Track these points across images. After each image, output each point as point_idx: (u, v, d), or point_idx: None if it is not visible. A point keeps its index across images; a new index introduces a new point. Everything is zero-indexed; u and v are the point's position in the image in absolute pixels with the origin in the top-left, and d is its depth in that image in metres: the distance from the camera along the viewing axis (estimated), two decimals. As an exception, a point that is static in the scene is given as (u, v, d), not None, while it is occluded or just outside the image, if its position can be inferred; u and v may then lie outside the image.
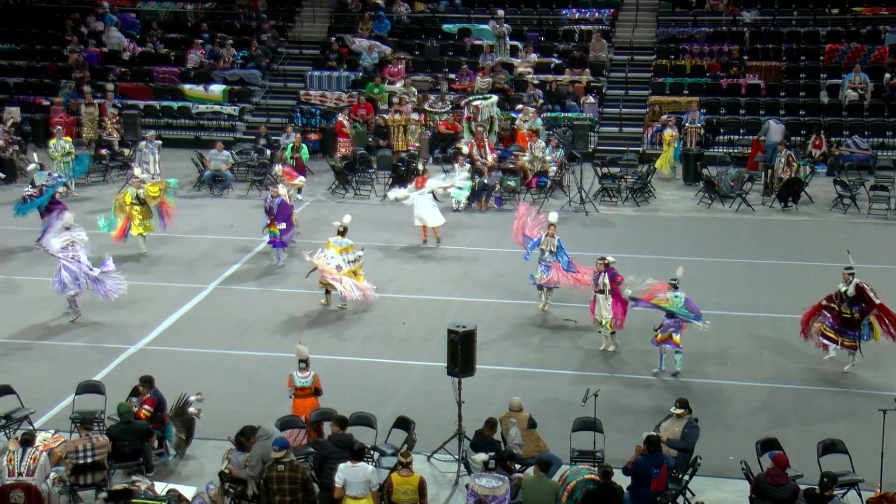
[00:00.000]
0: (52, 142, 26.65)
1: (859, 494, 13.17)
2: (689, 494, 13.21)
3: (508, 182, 26.03)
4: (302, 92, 32.19)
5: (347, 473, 12.18)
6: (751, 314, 19.15)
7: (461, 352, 13.75)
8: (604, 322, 17.42)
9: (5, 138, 28.14)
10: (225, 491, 12.82)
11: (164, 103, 32.04)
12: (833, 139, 28.60)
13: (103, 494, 12.46)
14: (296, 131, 28.06)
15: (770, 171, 26.35)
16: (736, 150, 29.03)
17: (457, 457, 14.10)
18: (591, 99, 30.54)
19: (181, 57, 33.55)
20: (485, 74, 31.09)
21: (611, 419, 14.68)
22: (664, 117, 28.96)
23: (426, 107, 30.23)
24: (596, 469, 12.65)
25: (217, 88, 32.15)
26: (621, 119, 30.80)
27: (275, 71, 33.75)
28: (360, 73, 32.30)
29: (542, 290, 19.22)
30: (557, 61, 32.26)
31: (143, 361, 17.07)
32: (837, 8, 33.23)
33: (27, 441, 12.91)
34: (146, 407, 14.09)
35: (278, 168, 25.08)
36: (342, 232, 19.45)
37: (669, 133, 28.07)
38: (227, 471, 13.01)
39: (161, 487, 13.00)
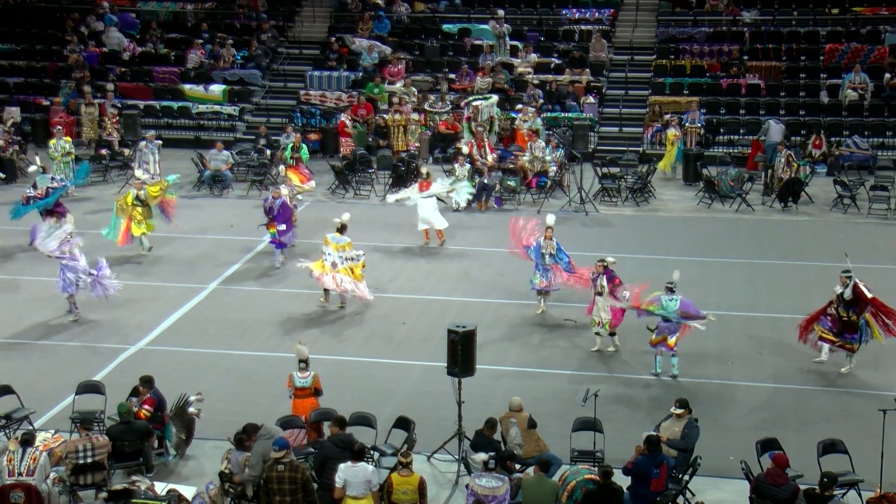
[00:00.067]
0: (52, 142, 26.65)
1: (859, 494, 13.17)
2: (689, 494, 13.21)
3: (508, 182, 26.03)
4: (302, 92, 32.19)
5: (348, 473, 12.18)
6: (751, 314, 19.15)
7: (461, 352, 13.75)
8: (603, 323, 17.41)
9: (5, 138, 28.14)
10: (225, 491, 12.82)
11: (164, 103, 32.04)
12: (833, 139, 28.60)
13: (103, 494, 12.46)
14: (296, 131, 28.06)
15: (770, 171, 26.35)
16: (736, 150, 29.03)
17: (457, 457, 14.10)
18: (591, 99, 30.54)
19: (181, 57, 33.55)
20: (485, 74, 31.09)
21: (611, 419, 14.68)
22: (667, 117, 28.98)
23: (426, 107, 30.23)
24: (596, 469, 12.66)
25: (217, 88, 32.16)
26: (621, 119, 30.80)
27: (275, 71, 33.76)
28: (360, 73, 32.30)
29: (541, 294, 19.23)
30: (557, 61, 32.26)
31: (143, 361, 17.07)
32: (837, 8, 33.23)
33: (27, 441, 12.91)
34: (146, 407, 14.09)
35: (282, 169, 25.04)
36: (341, 229, 19.47)
37: (673, 133, 28.07)
38: (227, 471, 13.01)
39: (161, 487, 13.00)
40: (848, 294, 16.37)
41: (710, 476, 13.68)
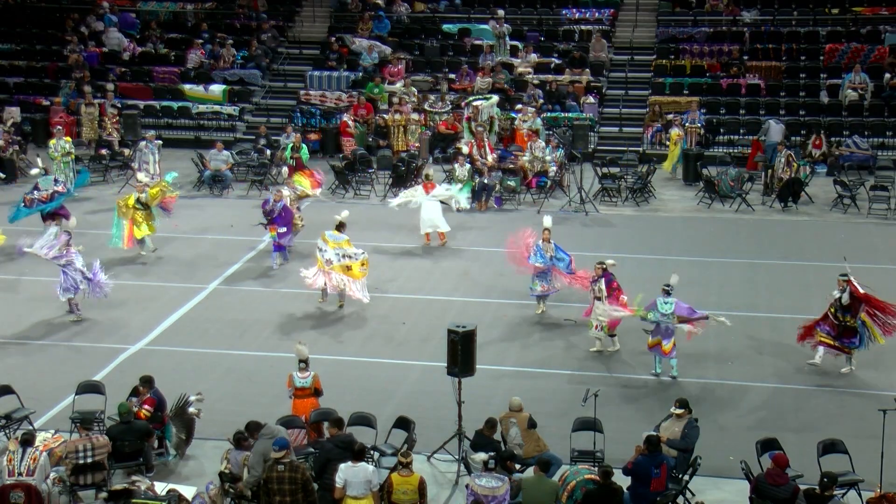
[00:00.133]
0: (52, 142, 26.62)
1: (859, 494, 13.17)
2: (689, 494, 13.21)
3: (508, 182, 26.02)
4: (302, 92, 32.18)
5: (348, 473, 12.19)
6: (751, 314, 19.13)
7: (461, 352, 13.75)
8: (601, 326, 17.39)
9: (5, 138, 28.13)
10: (225, 491, 12.82)
11: (164, 103, 32.03)
12: (833, 139, 28.60)
13: (103, 494, 12.47)
14: (296, 131, 28.07)
15: (770, 171, 26.34)
16: (736, 150, 29.02)
17: (457, 457, 14.10)
18: (591, 99, 30.53)
19: (181, 57, 33.55)
20: (485, 74, 31.09)
21: (611, 419, 14.68)
22: (670, 116, 28.99)
23: (426, 107, 30.23)
24: (596, 469, 12.66)
25: (217, 88, 32.15)
26: (621, 119, 30.80)
27: (275, 71, 33.75)
28: (360, 73, 32.30)
29: (541, 297, 19.22)
30: (557, 61, 32.25)
31: (143, 361, 17.07)
32: (837, 8, 33.22)
33: (27, 441, 12.91)
34: (146, 407, 14.10)
35: (285, 170, 24.98)
36: (339, 227, 19.46)
37: (676, 132, 28.09)
38: (227, 471, 13.01)
39: (161, 487, 13.00)
40: (846, 299, 16.36)
41: (710, 476, 13.68)
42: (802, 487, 12.32)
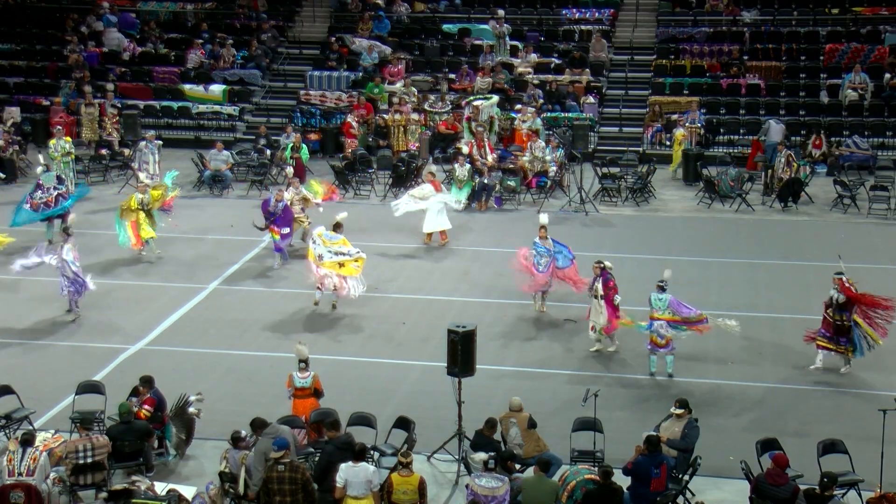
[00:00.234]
0: (52, 142, 26.57)
1: (859, 494, 13.18)
2: (689, 494, 13.21)
3: (508, 182, 26.02)
4: (302, 92, 32.18)
5: (349, 473, 12.19)
6: (751, 314, 19.11)
7: (461, 352, 13.75)
8: (597, 328, 17.39)
9: (5, 138, 28.13)
10: (225, 491, 12.82)
11: (164, 103, 32.03)
12: (833, 139, 28.60)
13: (103, 494, 12.47)
14: (296, 131, 28.09)
15: (770, 171, 26.35)
16: (736, 150, 29.01)
17: (457, 457, 14.10)
18: (591, 99, 30.53)
19: (181, 57, 33.54)
20: (485, 74, 31.09)
21: (611, 419, 14.68)
22: (674, 117, 28.99)
23: (426, 107, 30.22)
24: (596, 469, 12.66)
25: (217, 88, 32.15)
26: (621, 119, 30.80)
27: (275, 71, 33.75)
28: (360, 73, 32.30)
29: (542, 294, 19.22)
30: (557, 61, 32.25)
31: (143, 361, 17.07)
32: (837, 8, 33.22)
33: (27, 441, 12.92)
34: (146, 407, 14.10)
35: (289, 170, 24.94)
36: (335, 227, 19.44)
37: (681, 132, 28.11)
38: (226, 471, 13.01)
39: (161, 487, 13.01)
40: (841, 298, 16.36)
41: (710, 476, 13.68)
42: (802, 487, 12.31)
